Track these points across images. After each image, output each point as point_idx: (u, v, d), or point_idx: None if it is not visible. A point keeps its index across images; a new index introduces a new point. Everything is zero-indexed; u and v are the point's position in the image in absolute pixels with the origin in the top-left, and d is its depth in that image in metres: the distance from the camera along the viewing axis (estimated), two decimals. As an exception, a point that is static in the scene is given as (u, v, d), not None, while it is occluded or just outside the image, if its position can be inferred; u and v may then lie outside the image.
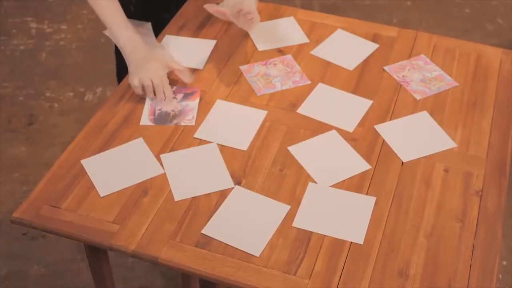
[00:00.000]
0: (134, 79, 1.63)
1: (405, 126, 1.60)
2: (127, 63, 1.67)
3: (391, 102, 1.66)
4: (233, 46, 1.83)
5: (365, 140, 1.56)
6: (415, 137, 1.57)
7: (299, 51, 1.82)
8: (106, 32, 1.74)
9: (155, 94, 1.64)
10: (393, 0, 3.49)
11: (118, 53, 2.16)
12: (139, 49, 1.67)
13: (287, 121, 1.61)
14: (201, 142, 1.55)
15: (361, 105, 1.65)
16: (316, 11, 2.08)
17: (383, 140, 1.56)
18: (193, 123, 1.59)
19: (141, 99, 1.66)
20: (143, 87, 1.63)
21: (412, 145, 1.55)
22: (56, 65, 3.15)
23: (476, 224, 1.38)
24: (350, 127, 1.59)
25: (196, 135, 1.57)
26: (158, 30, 1.88)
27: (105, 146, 1.54)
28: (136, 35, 1.69)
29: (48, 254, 2.35)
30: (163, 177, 1.47)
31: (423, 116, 1.62)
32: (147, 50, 1.68)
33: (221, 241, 1.34)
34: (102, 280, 1.59)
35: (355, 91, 1.69)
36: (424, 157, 1.52)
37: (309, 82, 1.72)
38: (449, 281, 1.28)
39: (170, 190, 1.44)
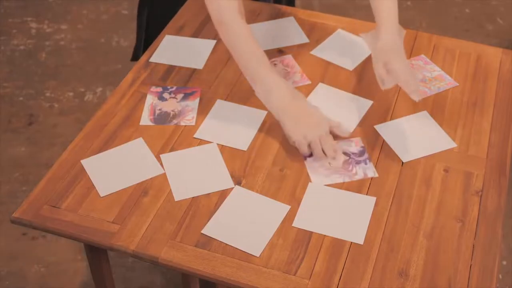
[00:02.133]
0: (298, 135, 1.46)
1: (405, 126, 1.60)
2: (283, 116, 1.48)
3: (391, 102, 1.66)
4: (233, 46, 1.83)
5: (365, 140, 1.56)
6: (415, 137, 1.57)
7: (299, 51, 1.82)
8: (246, 76, 1.55)
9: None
10: (393, 0, 3.49)
11: (139, 27, 2.11)
12: (298, 100, 1.50)
13: (287, 121, 1.60)
14: (201, 142, 1.55)
15: (361, 105, 1.65)
16: (316, 11, 2.08)
17: (383, 140, 1.56)
18: (193, 123, 1.59)
19: (141, 99, 1.66)
20: (309, 145, 1.47)
21: (412, 145, 1.55)
22: (56, 65, 3.15)
23: (476, 224, 1.38)
24: (350, 127, 1.59)
25: (196, 135, 1.57)
26: None
27: (105, 146, 1.54)
28: (287, 83, 1.51)
29: (48, 254, 2.35)
30: (163, 177, 1.47)
31: (423, 116, 1.62)
32: (304, 102, 1.51)
33: (221, 241, 1.34)
34: (102, 280, 1.59)
35: (355, 91, 1.69)
36: (424, 157, 1.52)
37: (309, 82, 1.72)
38: (449, 281, 1.28)
39: (170, 190, 1.44)
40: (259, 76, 1.52)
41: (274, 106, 1.51)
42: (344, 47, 1.83)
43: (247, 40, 1.52)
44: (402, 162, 1.51)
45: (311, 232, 1.36)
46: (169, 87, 1.70)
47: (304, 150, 1.47)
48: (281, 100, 1.50)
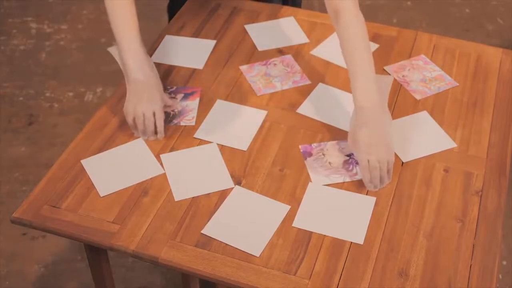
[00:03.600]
0: (129, 106, 1.53)
1: (405, 126, 1.60)
2: (126, 85, 1.56)
3: (391, 102, 1.66)
4: (233, 46, 1.83)
5: (365, 140, 1.56)
6: (415, 137, 1.57)
7: (299, 51, 1.82)
8: (110, 50, 1.65)
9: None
10: (393, 0, 3.49)
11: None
12: (145, 73, 1.55)
13: (287, 121, 1.61)
14: (201, 142, 1.55)
15: (361, 105, 1.65)
16: (316, 11, 2.07)
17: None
18: (193, 123, 1.59)
19: (141, 99, 1.66)
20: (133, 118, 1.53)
21: (412, 145, 1.55)
22: (56, 65, 3.15)
23: (476, 224, 1.38)
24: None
25: (196, 135, 1.57)
26: None
27: (105, 146, 1.54)
28: (143, 54, 1.57)
29: (48, 254, 2.35)
30: (163, 177, 1.47)
31: (423, 116, 1.62)
32: (151, 76, 1.56)
33: (221, 241, 1.34)
34: (102, 280, 1.59)
35: (355, 91, 1.69)
36: (424, 157, 1.52)
37: (309, 82, 1.72)
38: (449, 281, 1.28)
39: (170, 190, 1.44)
40: (122, 46, 1.57)
41: (127, 78, 1.57)
42: (344, 47, 1.83)
43: (124, 11, 1.59)
44: (402, 162, 1.51)
45: (311, 232, 1.36)
46: (169, 87, 1.70)
47: (129, 121, 1.53)
48: (129, 73, 1.56)
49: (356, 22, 1.48)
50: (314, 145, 1.54)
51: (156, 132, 1.55)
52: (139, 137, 1.56)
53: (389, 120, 1.47)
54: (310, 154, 1.51)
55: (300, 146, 1.53)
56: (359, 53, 1.47)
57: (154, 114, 1.53)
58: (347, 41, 1.48)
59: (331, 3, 1.50)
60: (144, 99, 1.53)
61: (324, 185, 1.45)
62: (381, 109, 1.45)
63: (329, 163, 1.49)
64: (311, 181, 1.46)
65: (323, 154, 1.51)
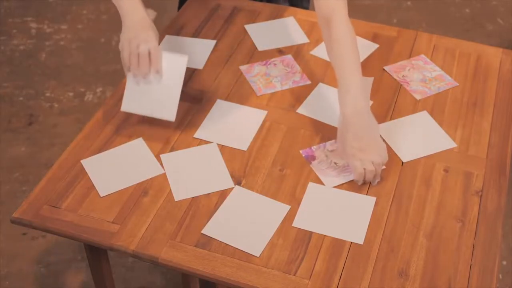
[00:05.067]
0: (125, 41, 1.49)
1: (405, 126, 1.60)
2: (123, 27, 1.52)
3: (391, 102, 1.66)
4: (233, 46, 1.84)
5: (365, 140, 1.56)
6: (415, 137, 1.57)
7: (299, 51, 1.82)
8: None
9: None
10: (393, 0, 3.49)
11: None
12: (140, 13, 1.52)
13: (287, 121, 1.61)
14: (201, 142, 1.55)
15: (361, 105, 1.65)
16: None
17: (383, 140, 1.56)
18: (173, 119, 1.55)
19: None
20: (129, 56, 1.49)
21: (412, 145, 1.55)
22: (56, 65, 3.15)
23: (476, 224, 1.38)
24: (350, 127, 1.58)
25: (196, 135, 1.57)
26: None
27: (105, 146, 1.54)
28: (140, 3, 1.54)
29: (48, 254, 2.35)
30: (163, 177, 1.47)
31: (423, 116, 1.62)
32: (146, 18, 1.52)
33: (221, 241, 1.34)
34: (102, 280, 1.59)
35: (355, 91, 1.69)
36: (424, 157, 1.52)
37: (309, 82, 1.72)
38: (449, 281, 1.28)
39: (170, 190, 1.44)
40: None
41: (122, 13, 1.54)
42: (344, 47, 1.83)
43: None
44: (402, 162, 1.51)
45: (311, 232, 1.36)
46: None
47: (124, 57, 1.49)
48: (125, 15, 1.53)
49: (347, 30, 1.50)
50: (314, 147, 1.54)
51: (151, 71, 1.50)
52: (139, 137, 1.56)
53: (375, 123, 1.47)
54: (313, 158, 1.51)
55: (301, 151, 1.53)
56: (348, 61, 1.48)
57: (149, 53, 1.49)
58: (338, 47, 1.49)
59: (322, 10, 1.52)
60: (140, 36, 1.49)
61: (334, 187, 1.45)
62: (367, 113, 1.45)
63: (335, 163, 1.49)
64: (323, 184, 1.45)
65: (326, 156, 1.51)
